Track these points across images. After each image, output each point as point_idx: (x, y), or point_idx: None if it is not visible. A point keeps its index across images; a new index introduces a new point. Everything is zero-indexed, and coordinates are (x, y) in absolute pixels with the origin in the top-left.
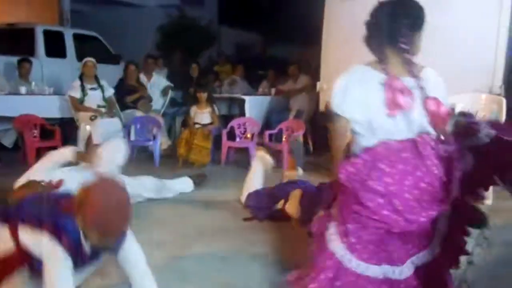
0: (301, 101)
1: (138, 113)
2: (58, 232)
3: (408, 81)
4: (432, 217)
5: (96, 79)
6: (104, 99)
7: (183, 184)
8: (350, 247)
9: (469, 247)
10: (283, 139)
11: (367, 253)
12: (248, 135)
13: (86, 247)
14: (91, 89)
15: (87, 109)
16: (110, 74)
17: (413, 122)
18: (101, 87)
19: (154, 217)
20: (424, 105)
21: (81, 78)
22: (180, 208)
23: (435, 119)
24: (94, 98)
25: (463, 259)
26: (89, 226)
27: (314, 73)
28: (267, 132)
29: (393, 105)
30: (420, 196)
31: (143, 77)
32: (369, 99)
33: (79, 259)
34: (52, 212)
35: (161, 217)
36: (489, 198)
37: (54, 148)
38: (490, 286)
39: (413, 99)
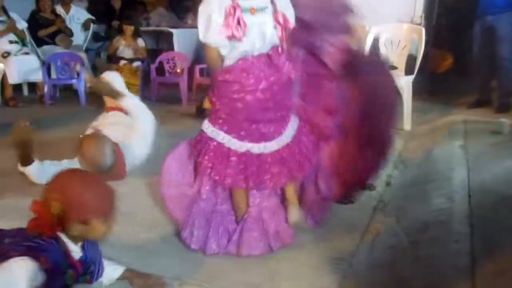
0: None
1: (58, 49)
2: (33, 253)
3: None
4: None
5: (4, 10)
6: (16, 33)
7: None
8: (220, 126)
9: (387, 169)
10: None
11: (234, 132)
12: (178, 70)
13: (76, 253)
14: None
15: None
16: (20, 5)
17: (266, 37)
18: (10, 19)
19: None
20: (275, 19)
21: None
22: None
23: (283, 32)
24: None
25: (381, 180)
26: (67, 212)
27: None
28: (197, 67)
29: (231, 34)
30: (273, 96)
31: (60, 10)
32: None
33: (69, 273)
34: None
35: None
36: (408, 124)
37: None
38: (403, 205)
39: (264, 16)
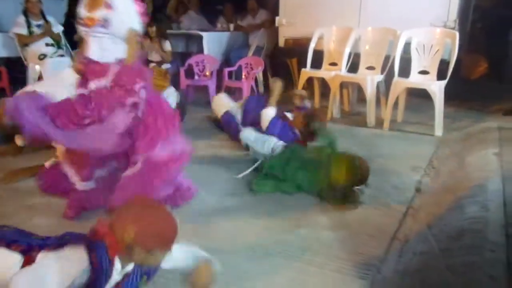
0: (261, 37)
1: None
2: (88, 249)
3: None
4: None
5: (42, 15)
6: (52, 37)
7: None
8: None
9: (418, 176)
10: (243, 76)
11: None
12: (207, 73)
13: (116, 272)
14: (37, 25)
15: (38, 38)
16: (55, 9)
17: None
18: (47, 23)
19: None
20: None
21: (25, 13)
22: None
23: None
24: None
25: (411, 186)
26: (138, 241)
27: (273, 8)
28: (226, 70)
29: None
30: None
31: None
32: None
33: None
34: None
35: None
36: (439, 130)
37: (1, 89)
38: (434, 212)
39: None
